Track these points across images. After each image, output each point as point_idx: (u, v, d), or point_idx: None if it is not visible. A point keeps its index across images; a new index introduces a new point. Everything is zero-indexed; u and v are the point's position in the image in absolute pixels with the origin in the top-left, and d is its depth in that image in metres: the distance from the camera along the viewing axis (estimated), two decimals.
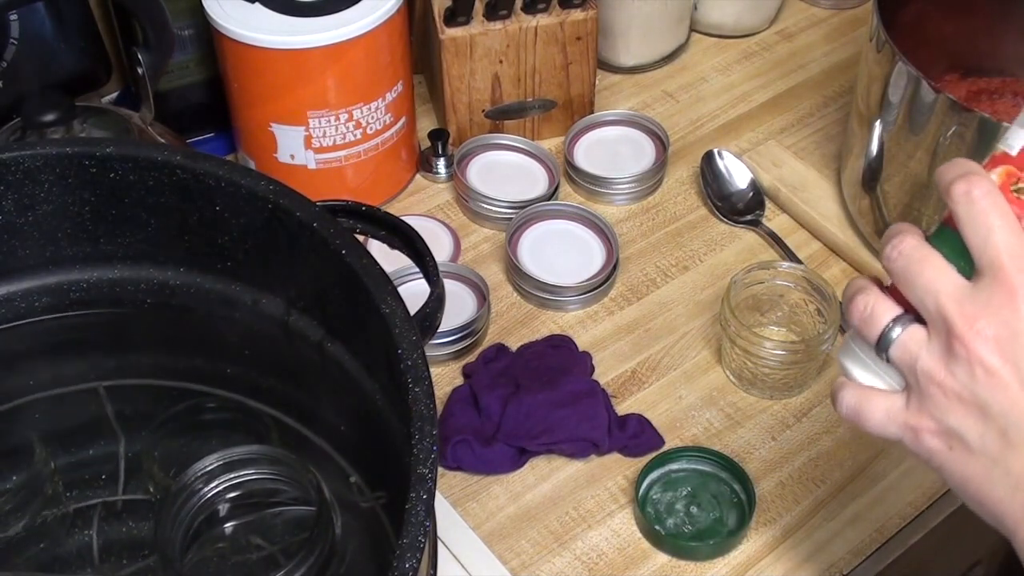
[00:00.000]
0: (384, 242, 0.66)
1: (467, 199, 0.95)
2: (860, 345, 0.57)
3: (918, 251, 0.54)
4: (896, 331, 0.55)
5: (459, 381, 0.84)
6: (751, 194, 0.97)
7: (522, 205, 0.94)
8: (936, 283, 0.53)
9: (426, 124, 1.02)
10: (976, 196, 0.52)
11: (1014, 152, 0.54)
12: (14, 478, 0.66)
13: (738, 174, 0.97)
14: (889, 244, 0.55)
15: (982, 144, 0.76)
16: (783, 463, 0.80)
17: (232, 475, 0.64)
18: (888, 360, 0.55)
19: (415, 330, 0.55)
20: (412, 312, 0.56)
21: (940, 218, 0.56)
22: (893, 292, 0.56)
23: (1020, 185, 0.53)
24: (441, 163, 0.99)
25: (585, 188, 0.98)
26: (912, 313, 0.55)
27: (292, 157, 0.92)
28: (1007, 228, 0.51)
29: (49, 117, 0.80)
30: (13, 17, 0.84)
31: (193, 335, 0.69)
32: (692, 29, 1.12)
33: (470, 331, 0.85)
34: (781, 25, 1.15)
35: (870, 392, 0.57)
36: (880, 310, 0.55)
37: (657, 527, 0.75)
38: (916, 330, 0.54)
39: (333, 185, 0.93)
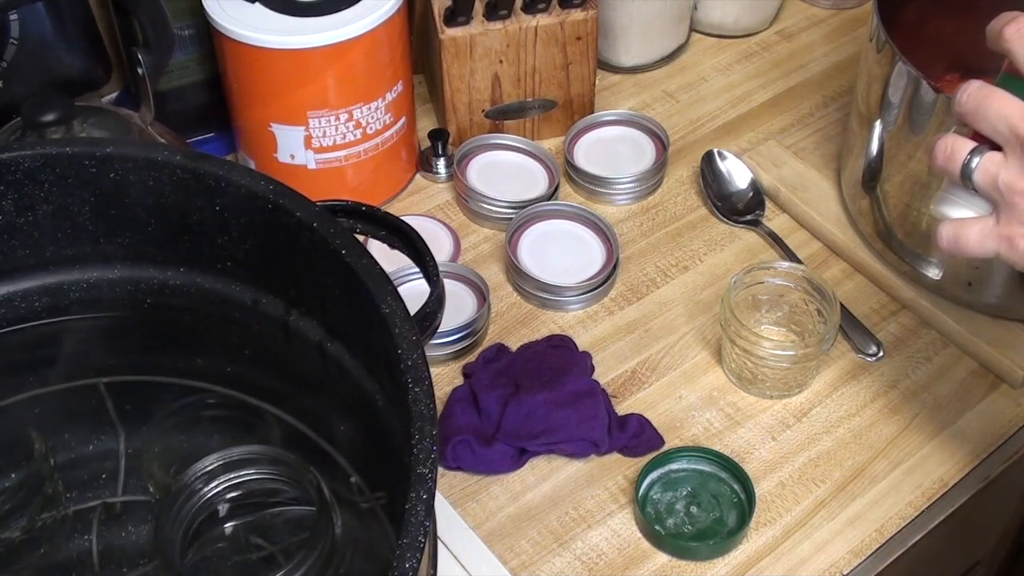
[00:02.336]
0: (384, 242, 0.66)
1: (467, 199, 0.95)
2: (950, 189, 0.64)
3: (985, 89, 0.61)
4: (976, 159, 0.61)
5: (459, 381, 0.84)
6: (751, 194, 0.97)
7: (522, 205, 0.94)
8: (1005, 109, 0.60)
9: (426, 124, 1.02)
10: None
11: None
12: (13, 476, 0.66)
13: (738, 174, 0.97)
14: (958, 92, 0.62)
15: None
16: (783, 463, 0.80)
17: (232, 475, 0.64)
18: (974, 188, 0.62)
19: (415, 330, 0.55)
20: (412, 312, 0.56)
21: (1002, 69, 0.63)
22: (972, 137, 0.63)
23: None
24: (441, 163, 0.99)
25: (585, 188, 0.98)
26: (988, 145, 0.61)
27: (292, 157, 0.92)
28: None
29: (49, 117, 0.80)
30: (13, 17, 0.84)
31: (193, 335, 0.69)
32: (692, 29, 1.12)
33: (470, 331, 0.85)
34: (781, 25, 1.15)
35: (964, 221, 0.63)
36: (959, 146, 0.62)
37: (657, 527, 0.75)
38: (993, 154, 0.61)
39: (333, 185, 0.93)
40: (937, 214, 0.65)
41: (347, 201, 0.65)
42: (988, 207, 0.63)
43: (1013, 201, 0.60)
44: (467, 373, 0.84)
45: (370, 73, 0.89)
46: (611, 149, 1.00)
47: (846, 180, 0.94)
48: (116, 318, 0.69)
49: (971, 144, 0.62)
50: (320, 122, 0.89)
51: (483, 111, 0.99)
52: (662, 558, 0.75)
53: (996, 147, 0.61)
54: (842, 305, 0.86)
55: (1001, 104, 0.60)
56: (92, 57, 0.90)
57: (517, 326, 0.88)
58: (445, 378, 0.85)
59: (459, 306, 0.87)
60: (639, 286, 0.91)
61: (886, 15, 0.82)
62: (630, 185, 0.97)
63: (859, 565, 0.75)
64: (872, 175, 0.88)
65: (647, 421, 0.81)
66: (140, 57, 0.84)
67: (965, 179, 0.62)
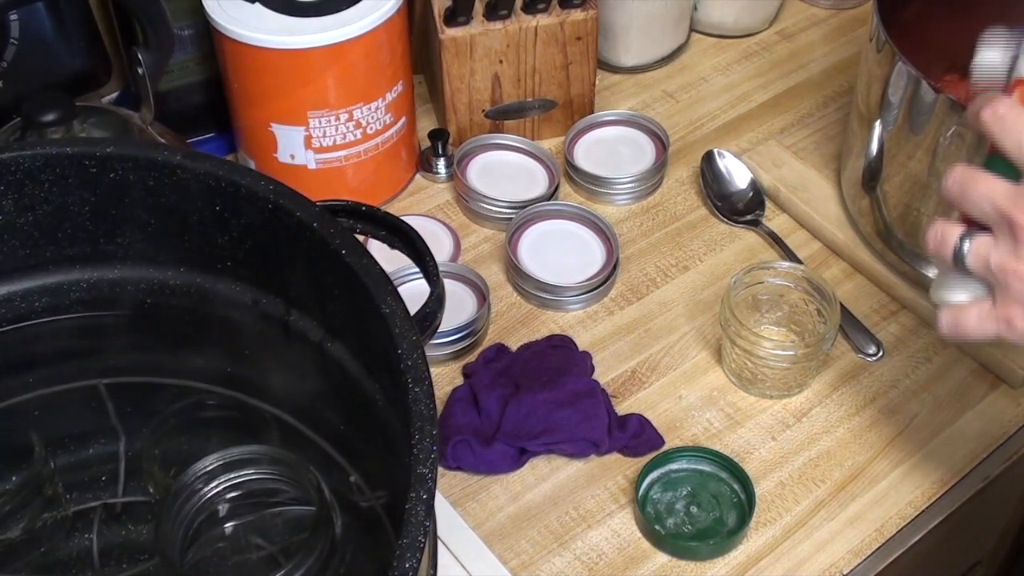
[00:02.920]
0: (384, 242, 0.66)
1: (467, 199, 0.95)
2: (944, 274, 0.65)
3: (968, 172, 0.62)
4: (967, 243, 0.62)
5: (459, 381, 0.84)
6: (751, 194, 0.97)
7: (522, 205, 0.94)
8: (989, 191, 0.60)
9: (426, 124, 1.02)
10: (1002, 113, 0.60)
11: None
12: (14, 479, 0.66)
13: (738, 174, 0.97)
14: (944, 179, 0.62)
15: (982, 144, 0.76)
16: (783, 463, 0.80)
17: (232, 475, 0.64)
18: (967, 271, 0.62)
19: (415, 330, 0.55)
20: (412, 312, 0.56)
21: (985, 151, 0.63)
22: (961, 220, 0.63)
23: None
24: (441, 163, 0.99)
25: (585, 188, 0.98)
26: (977, 228, 0.62)
27: (292, 157, 0.92)
28: None
29: (49, 117, 0.80)
30: (13, 17, 0.84)
31: (193, 335, 0.69)
32: (692, 29, 1.12)
33: (470, 331, 0.85)
34: (781, 25, 1.15)
35: (962, 306, 0.63)
36: (948, 231, 0.63)
37: (657, 527, 0.75)
38: (983, 237, 0.61)
39: (333, 185, 0.93)
40: (937, 299, 0.65)
41: (347, 201, 0.65)
42: (985, 288, 0.62)
43: (1007, 282, 0.60)
44: (467, 373, 0.84)
45: (370, 73, 0.89)
46: (611, 149, 1.00)
47: (846, 180, 0.94)
48: (116, 318, 0.68)
49: (960, 228, 0.62)
50: (320, 122, 0.89)
51: (483, 111, 0.99)
52: (662, 558, 0.75)
53: (986, 229, 0.61)
54: (842, 305, 0.86)
55: (985, 186, 0.61)
56: (92, 57, 0.90)
57: (517, 326, 0.88)
58: (445, 378, 0.85)
59: (459, 306, 0.87)
60: (639, 286, 0.91)
61: (886, 15, 0.82)
62: (630, 185, 0.97)
63: (859, 565, 0.75)
64: (872, 175, 0.88)
65: (647, 421, 0.81)
66: (140, 57, 0.84)
67: (958, 263, 0.62)
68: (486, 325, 0.87)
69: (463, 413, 0.80)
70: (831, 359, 0.85)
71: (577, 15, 0.95)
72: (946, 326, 0.64)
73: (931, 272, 0.86)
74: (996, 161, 0.61)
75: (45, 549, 0.66)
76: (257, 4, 0.87)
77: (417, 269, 0.69)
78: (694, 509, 0.76)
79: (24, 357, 0.69)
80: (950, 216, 0.64)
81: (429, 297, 0.62)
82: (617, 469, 0.80)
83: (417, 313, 0.60)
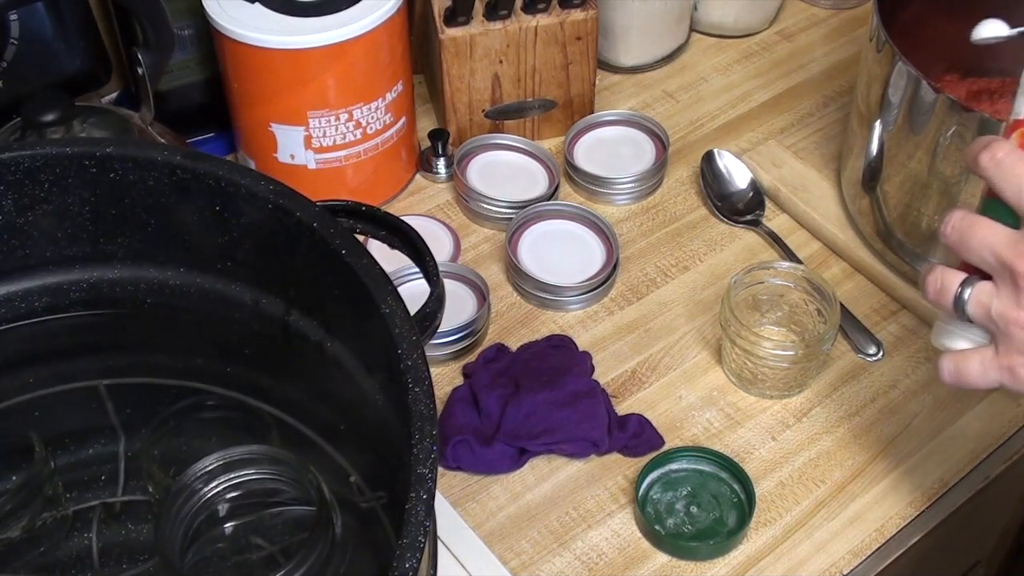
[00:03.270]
0: (384, 242, 0.66)
1: (467, 199, 0.95)
2: (945, 320, 0.64)
3: (967, 219, 0.61)
4: (967, 291, 0.61)
5: (459, 381, 0.84)
6: (751, 194, 0.97)
7: (522, 205, 0.94)
8: (989, 238, 0.59)
9: (426, 124, 1.02)
10: (1000, 157, 0.59)
11: (1023, 116, 0.61)
12: (13, 478, 0.66)
13: (738, 174, 0.97)
14: (943, 225, 0.62)
15: None
16: (783, 463, 0.80)
17: (232, 475, 0.64)
18: (968, 319, 0.61)
19: (415, 330, 0.55)
20: (412, 312, 0.56)
21: (982, 194, 0.62)
22: (961, 267, 0.62)
23: None
24: (441, 163, 0.99)
25: (585, 188, 0.98)
26: (978, 275, 0.61)
27: (292, 157, 0.92)
28: None
29: (49, 117, 0.80)
30: (13, 17, 0.84)
31: (193, 335, 0.69)
32: (692, 29, 1.12)
33: (470, 331, 0.85)
34: (781, 25, 1.15)
35: (964, 353, 0.63)
36: (949, 279, 0.62)
37: (657, 527, 0.75)
38: (984, 284, 0.60)
39: (333, 185, 0.93)
40: (938, 345, 0.65)
41: (347, 201, 0.65)
42: (986, 335, 0.62)
43: (1009, 331, 0.59)
44: (467, 373, 0.84)
45: (370, 73, 0.89)
46: (611, 149, 1.00)
47: (846, 180, 0.94)
48: (116, 318, 0.69)
49: (960, 276, 0.61)
50: (320, 122, 0.89)
51: (483, 111, 0.99)
52: (662, 558, 0.75)
53: (987, 276, 0.60)
54: (842, 305, 0.86)
55: (984, 233, 0.60)
56: (92, 57, 0.90)
57: (517, 326, 0.88)
58: (445, 378, 0.85)
59: (459, 306, 0.87)
60: (639, 286, 0.91)
61: (886, 15, 0.82)
62: (630, 185, 0.97)
63: (859, 565, 0.75)
64: (872, 175, 0.88)
65: (647, 421, 0.81)
66: (140, 57, 0.84)
67: (959, 311, 0.61)
68: (486, 325, 0.87)
69: (463, 413, 0.80)
70: (831, 359, 0.85)
71: (577, 15, 0.95)
72: (948, 374, 0.63)
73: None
74: (995, 205, 0.60)
75: (45, 548, 0.66)
76: (257, 4, 0.87)
77: (417, 269, 0.69)
78: (694, 509, 0.76)
79: (24, 357, 0.70)
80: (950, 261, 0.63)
81: (429, 297, 0.62)
82: (617, 469, 0.80)
83: (417, 313, 0.60)
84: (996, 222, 0.60)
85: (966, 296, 0.61)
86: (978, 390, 0.64)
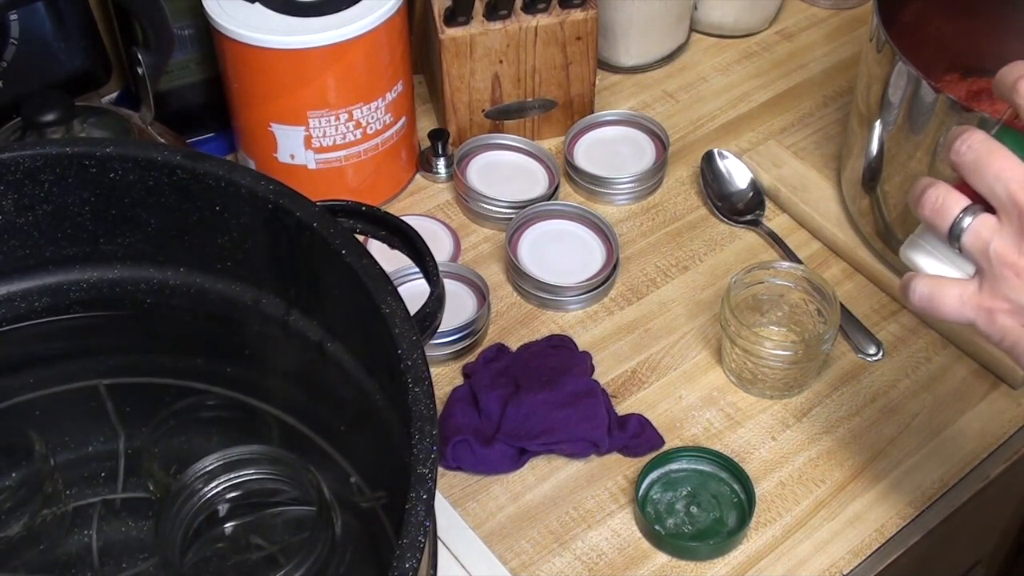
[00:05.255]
0: (384, 242, 0.66)
1: (467, 199, 0.95)
2: (928, 239, 0.60)
3: (987, 144, 0.57)
4: (967, 219, 0.57)
5: (459, 381, 0.84)
6: (751, 194, 0.97)
7: (522, 205, 0.94)
8: (1006, 171, 0.56)
9: (426, 124, 1.02)
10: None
11: None
12: (14, 475, 0.66)
13: (738, 174, 0.97)
14: (958, 139, 0.57)
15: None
16: (783, 463, 0.80)
17: (232, 475, 0.64)
18: (960, 248, 0.58)
19: (415, 330, 0.55)
20: (412, 312, 0.56)
21: (1002, 119, 0.58)
22: (961, 188, 0.58)
23: None
24: (441, 163, 0.99)
25: (585, 188, 0.98)
26: (981, 203, 0.57)
27: (292, 157, 0.92)
28: None
29: (49, 117, 0.80)
30: (13, 17, 0.84)
31: (193, 335, 0.69)
32: (692, 29, 1.12)
33: (470, 331, 0.85)
34: (781, 25, 1.15)
35: (942, 280, 0.59)
36: (951, 201, 0.58)
37: (657, 527, 0.75)
38: (987, 217, 0.57)
39: (333, 185, 0.93)
40: (907, 260, 0.61)
41: (347, 201, 0.65)
42: (967, 267, 0.59)
43: (1002, 273, 0.56)
44: (467, 373, 0.84)
45: (370, 73, 0.89)
46: (611, 149, 1.00)
47: (846, 180, 0.94)
48: (116, 318, 0.69)
49: (964, 201, 0.58)
50: (320, 122, 0.89)
51: (483, 111, 0.99)
52: (662, 558, 0.75)
53: (990, 208, 0.57)
54: (842, 305, 0.86)
55: (1003, 165, 0.56)
56: (92, 57, 0.90)
57: (517, 326, 0.88)
58: (445, 378, 0.85)
59: (459, 306, 0.87)
60: (639, 286, 0.91)
61: (886, 15, 0.82)
62: (630, 185, 0.97)
63: (859, 565, 0.75)
64: (872, 175, 0.88)
65: (647, 421, 0.81)
66: (140, 57, 0.84)
67: (952, 237, 0.58)
68: (486, 325, 0.87)
69: (463, 413, 0.80)
70: (831, 359, 0.85)
71: (577, 15, 0.95)
72: (919, 297, 0.59)
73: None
74: (1012, 134, 0.57)
75: (45, 546, 0.66)
76: (257, 4, 0.87)
77: (417, 269, 0.69)
78: (694, 509, 0.76)
79: (24, 357, 0.70)
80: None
81: (429, 297, 0.62)
82: (617, 469, 0.80)
83: (417, 313, 0.60)
84: (1016, 157, 0.56)
85: (965, 224, 0.57)
86: (944, 320, 0.60)
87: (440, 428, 0.77)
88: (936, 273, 0.60)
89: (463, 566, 0.74)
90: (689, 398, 0.84)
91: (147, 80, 0.85)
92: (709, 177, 0.98)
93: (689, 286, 0.91)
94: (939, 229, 0.58)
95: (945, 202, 0.58)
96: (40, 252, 0.66)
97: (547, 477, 0.79)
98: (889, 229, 0.88)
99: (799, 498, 0.78)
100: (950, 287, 0.59)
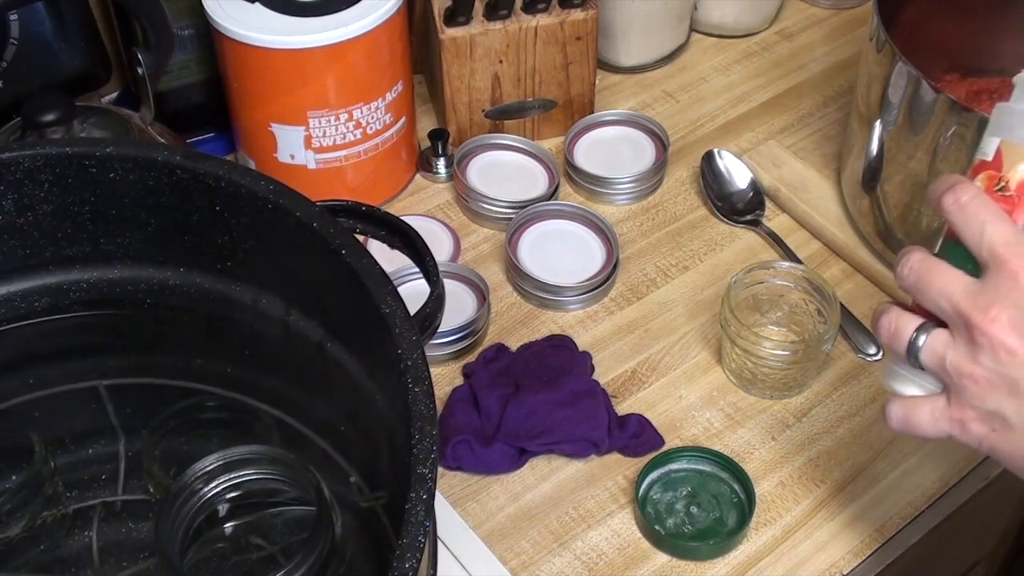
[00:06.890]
0: (384, 242, 0.66)
1: (467, 199, 0.95)
2: (897, 363, 0.62)
3: (925, 262, 0.59)
4: (922, 338, 0.59)
5: (459, 381, 0.84)
6: (751, 194, 0.97)
7: (522, 205, 0.94)
8: (947, 285, 0.57)
9: (426, 124, 1.02)
10: (964, 201, 0.57)
11: (990, 158, 0.58)
12: (14, 478, 0.66)
13: (738, 174, 0.97)
14: (899, 264, 0.60)
15: (982, 143, 0.76)
16: (783, 463, 0.80)
17: (232, 475, 0.64)
18: (921, 366, 0.59)
19: (415, 330, 0.55)
20: (412, 312, 0.56)
21: (944, 232, 0.60)
22: (915, 309, 0.60)
23: (1001, 185, 0.58)
24: (441, 163, 0.99)
25: (585, 188, 0.98)
26: (933, 320, 0.59)
27: (292, 157, 0.92)
28: (998, 221, 0.56)
29: (49, 117, 0.80)
30: (13, 17, 0.84)
31: (193, 335, 0.69)
32: (692, 29, 1.12)
33: (470, 331, 0.85)
34: (781, 25, 1.15)
35: (915, 400, 0.61)
36: (904, 323, 0.60)
37: (657, 527, 0.75)
38: (939, 333, 0.58)
39: (333, 185, 0.93)
40: (887, 388, 0.62)
41: (347, 201, 0.65)
42: (938, 383, 0.60)
43: (962, 384, 0.57)
44: (467, 373, 0.84)
45: (370, 73, 0.89)
46: (611, 149, 1.00)
47: (846, 180, 0.94)
48: (116, 318, 0.69)
49: (916, 321, 0.59)
50: (320, 122, 0.89)
51: (483, 111, 0.99)
52: (662, 558, 0.75)
53: (942, 323, 0.59)
54: (842, 305, 0.86)
55: (943, 280, 0.57)
56: (92, 57, 0.90)
57: (517, 326, 0.88)
58: (445, 378, 0.85)
59: (459, 306, 0.87)
60: (639, 286, 0.91)
61: (886, 15, 0.82)
62: (630, 185, 0.97)
63: (859, 565, 0.75)
64: (872, 175, 0.88)
65: (647, 421, 0.81)
66: (140, 57, 0.84)
67: (911, 358, 0.59)
68: (486, 325, 0.87)
69: (463, 413, 0.80)
70: (831, 359, 0.85)
71: (577, 15, 0.95)
72: (896, 420, 0.61)
73: None
74: (955, 248, 0.58)
75: (45, 547, 0.66)
76: (257, 4, 0.87)
77: (417, 269, 0.69)
78: (694, 509, 0.76)
79: (24, 357, 0.70)
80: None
81: (429, 297, 0.62)
82: (617, 469, 0.80)
83: (417, 313, 0.60)
84: (955, 268, 0.58)
85: (920, 343, 0.59)
86: (926, 439, 0.61)
87: (440, 428, 0.77)
88: (912, 394, 0.61)
89: (463, 566, 0.74)
90: (689, 398, 0.84)
91: (147, 80, 0.85)
92: (709, 177, 0.98)
93: (689, 286, 0.91)
94: (898, 352, 0.60)
95: (898, 325, 0.60)
96: (40, 252, 0.66)
97: (547, 477, 0.79)
98: (889, 229, 0.88)
99: (799, 498, 0.78)
100: (922, 405, 0.60)
